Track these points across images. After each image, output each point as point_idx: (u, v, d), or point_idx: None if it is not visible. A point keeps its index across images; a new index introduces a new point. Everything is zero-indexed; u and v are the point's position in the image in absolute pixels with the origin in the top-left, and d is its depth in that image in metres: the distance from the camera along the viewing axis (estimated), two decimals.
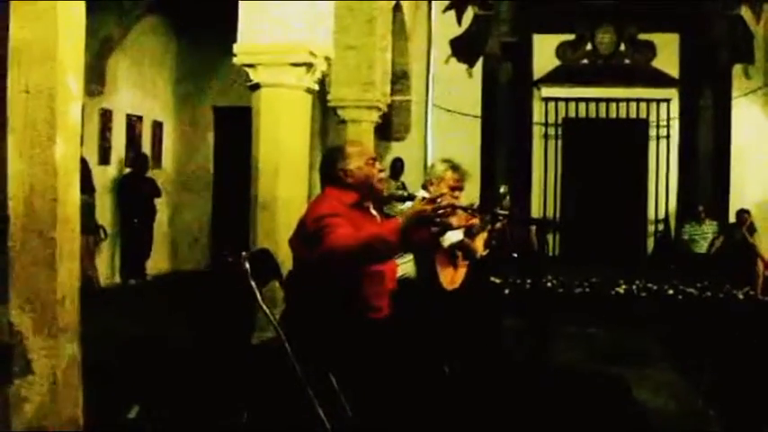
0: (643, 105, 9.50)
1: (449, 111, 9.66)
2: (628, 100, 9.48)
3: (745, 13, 9.34)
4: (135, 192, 8.33)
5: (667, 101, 9.52)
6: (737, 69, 9.43)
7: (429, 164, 7.86)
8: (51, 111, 2.26)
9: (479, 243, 3.96)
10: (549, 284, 7.66)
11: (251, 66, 4.40)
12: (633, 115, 9.49)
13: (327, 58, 4.60)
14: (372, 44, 6.71)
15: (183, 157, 9.71)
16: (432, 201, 2.17)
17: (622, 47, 9.70)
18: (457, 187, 3.90)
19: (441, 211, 2.13)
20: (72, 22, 2.33)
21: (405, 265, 3.61)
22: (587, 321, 6.38)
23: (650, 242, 9.65)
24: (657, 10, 9.40)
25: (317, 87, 4.64)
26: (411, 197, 3.16)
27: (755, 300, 7.72)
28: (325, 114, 8.14)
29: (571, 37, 9.78)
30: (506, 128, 9.70)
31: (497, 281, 7.29)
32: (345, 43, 6.56)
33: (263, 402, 3.22)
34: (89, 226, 7.22)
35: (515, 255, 7.25)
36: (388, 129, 9.31)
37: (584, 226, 9.48)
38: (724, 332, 6.19)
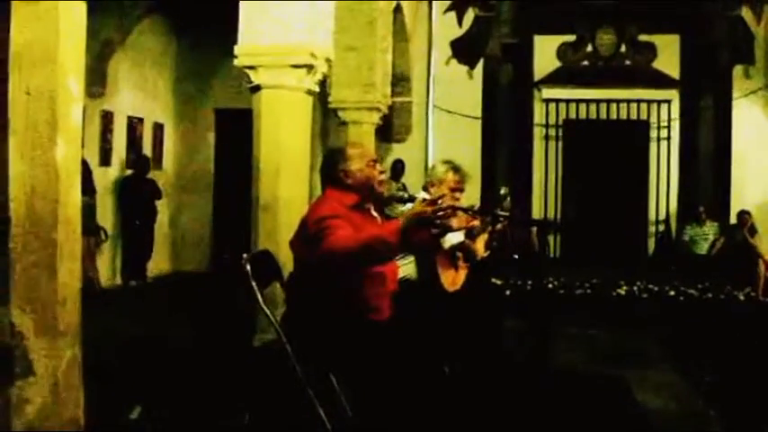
0: (644, 106, 9.51)
1: (449, 112, 9.67)
2: (628, 101, 9.48)
3: (746, 13, 9.34)
4: (136, 193, 8.34)
5: (668, 102, 9.52)
6: (738, 70, 9.44)
7: (430, 165, 7.85)
8: (52, 112, 2.26)
9: (480, 244, 3.96)
10: (549, 286, 7.66)
11: (251, 67, 4.39)
12: (634, 116, 9.49)
13: (328, 60, 4.60)
14: (373, 45, 6.71)
15: (183, 159, 9.72)
16: (432, 202, 2.17)
17: (623, 48, 9.71)
18: (457, 189, 3.91)
19: (441, 213, 2.13)
20: (73, 23, 2.34)
21: (406, 267, 3.62)
22: (588, 322, 6.38)
23: (651, 243, 9.64)
24: (658, 11, 9.41)
25: (317, 89, 4.63)
26: (412, 199, 3.16)
27: (756, 301, 7.72)
28: (326, 116, 8.14)
29: (572, 38, 9.79)
30: (507, 129, 9.71)
31: (498, 282, 7.30)
32: (346, 45, 6.56)
33: (264, 403, 3.23)
34: (90, 227, 7.24)
35: (516, 256, 7.25)
36: (388, 130, 9.31)
37: (585, 227, 9.49)
38: (725, 333, 6.19)
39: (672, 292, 7.69)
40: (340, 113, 6.89)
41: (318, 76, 4.54)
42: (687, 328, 6.49)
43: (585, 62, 9.80)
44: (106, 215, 8.09)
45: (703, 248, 8.80)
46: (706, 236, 8.84)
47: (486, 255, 4.01)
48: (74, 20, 2.34)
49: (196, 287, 8.17)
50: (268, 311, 2.46)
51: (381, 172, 2.80)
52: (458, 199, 3.85)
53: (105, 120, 8.13)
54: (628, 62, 9.72)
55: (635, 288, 7.78)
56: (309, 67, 4.38)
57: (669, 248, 9.34)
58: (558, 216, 9.62)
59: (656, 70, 9.62)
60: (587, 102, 9.54)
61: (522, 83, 9.75)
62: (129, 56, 8.43)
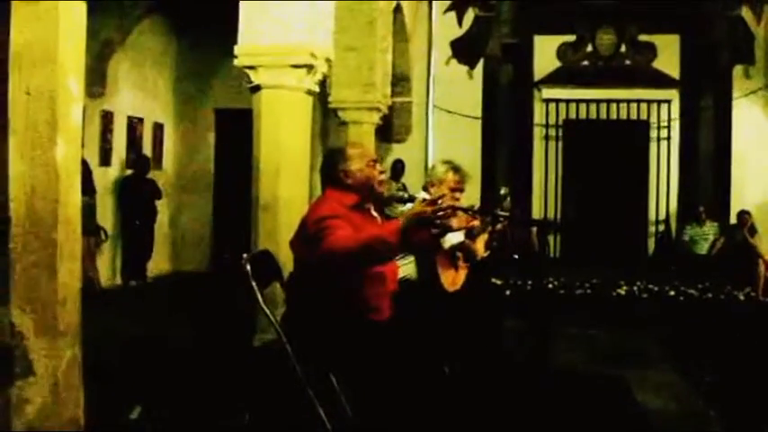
0: (644, 106, 9.51)
1: (449, 112, 9.67)
2: (628, 101, 9.48)
3: (746, 13, 9.34)
4: (136, 193, 8.34)
5: (668, 102, 9.52)
6: (738, 70, 9.44)
7: (430, 165, 7.85)
8: (52, 112, 2.26)
9: (480, 244, 3.96)
10: (549, 286, 7.66)
11: (252, 67, 4.39)
12: (634, 116, 9.49)
13: (328, 60, 4.60)
14: (373, 45, 6.70)
15: (183, 159, 9.72)
16: (432, 202, 2.17)
17: (623, 48, 9.71)
18: (458, 189, 3.91)
19: (441, 213, 2.13)
20: (73, 23, 2.34)
21: (406, 267, 3.62)
22: (588, 322, 6.39)
23: (651, 243, 9.65)
24: (658, 11, 9.41)
25: (317, 89, 4.63)
26: (412, 199, 3.16)
27: (756, 301, 7.73)
28: (326, 116, 8.14)
29: (572, 38, 9.79)
30: (507, 129, 9.71)
31: (498, 282, 7.30)
32: (346, 45, 6.56)
33: (264, 403, 3.23)
34: (90, 227, 7.24)
35: (516, 256, 7.25)
36: (388, 130, 9.31)
37: (585, 227, 9.49)
38: (725, 333, 6.19)
39: (672, 292, 7.69)
40: (340, 113, 6.89)
41: (318, 76, 4.54)
42: (687, 328, 6.49)
43: (585, 62, 9.80)
44: (106, 215, 8.09)
45: (703, 248, 8.80)
46: (706, 236, 8.84)
47: (486, 255, 4.01)
48: (74, 20, 2.34)
49: (196, 287, 8.16)
50: (268, 311, 2.46)
51: (381, 172, 2.80)
52: (458, 199, 3.85)
53: (105, 120, 8.13)
54: (628, 62, 9.71)
55: (635, 288, 7.78)
56: (309, 67, 4.38)
57: (669, 248, 9.34)
58: (558, 216, 9.62)
59: (656, 70, 9.62)
60: (587, 102, 9.54)
61: (522, 83, 9.75)
62: (129, 56, 8.43)
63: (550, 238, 9.39)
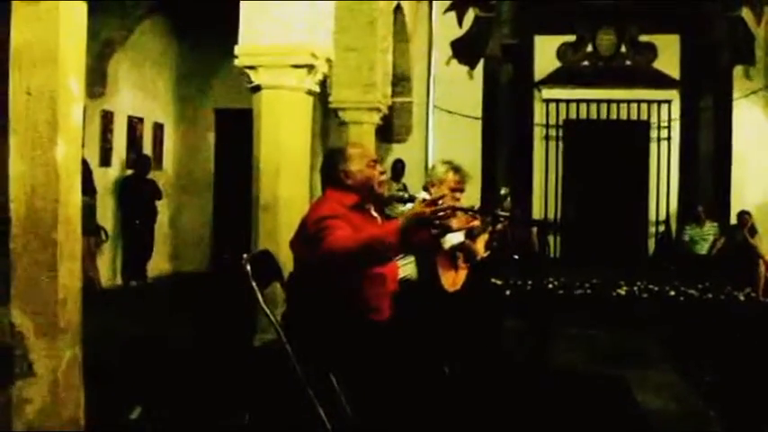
0: (644, 107, 9.50)
1: (450, 112, 9.67)
2: (628, 101, 9.48)
3: (746, 14, 9.33)
4: (136, 193, 8.34)
5: (668, 102, 9.51)
6: (738, 71, 9.43)
7: (430, 165, 7.84)
8: (53, 112, 2.26)
9: (480, 245, 3.96)
10: (549, 286, 7.66)
11: (252, 68, 4.39)
12: (634, 117, 9.49)
13: (328, 60, 4.60)
14: (373, 46, 6.70)
15: (183, 159, 9.72)
16: (432, 202, 2.17)
17: (623, 48, 9.70)
18: (458, 189, 3.91)
19: (441, 213, 2.13)
20: (73, 23, 2.34)
21: (406, 267, 3.62)
22: (588, 322, 6.39)
23: (651, 243, 9.64)
24: (658, 11, 9.41)
25: (317, 89, 4.63)
26: (412, 199, 3.15)
27: (756, 301, 7.72)
28: (326, 116, 8.14)
29: (572, 38, 9.78)
30: (507, 129, 9.71)
31: (498, 282, 7.29)
32: (346, 45, 6.56)
33: (264, 403, 3.23)
34: (90, 227, 7.24)
35: (516, 256, 7.25)
36: (389, 130, 9.31)
37: (585, 227, 9.49)
38: (725, 333, 6.19)
39: (672, 293, 7.68)
40: (340, 113, 6.89)
41: (319, 77, 4.54)
42: (687, 328, 6.49)
43: (585, 62, 9.80)
44: (106, 215, 8.09)
45: (703, 249, 8.80)
46: (706, 236, 8.83)
47: (486, 255, 4.01)
48: (74, 20, 2.34)
49: (196, 287, 8.17)
50: (268, 311, 2.46)
51: (381, 172, 2.80)
52: (458, 199, 3.86)
53: (105, 120, 8.13)
54: (628, 62, 9.71)
55: (635, 288, 7.77)
56: (310, 68, 4.38)
57: (669, 248, 9.34)
58: (559, 216, 9.62)
59: (656, 70, 9.62)
60: (587, 102, 9.54)
61: (522, 83, 9.75)
62: (130, 56, 8.43)
63: (550, 239, 9.39)
